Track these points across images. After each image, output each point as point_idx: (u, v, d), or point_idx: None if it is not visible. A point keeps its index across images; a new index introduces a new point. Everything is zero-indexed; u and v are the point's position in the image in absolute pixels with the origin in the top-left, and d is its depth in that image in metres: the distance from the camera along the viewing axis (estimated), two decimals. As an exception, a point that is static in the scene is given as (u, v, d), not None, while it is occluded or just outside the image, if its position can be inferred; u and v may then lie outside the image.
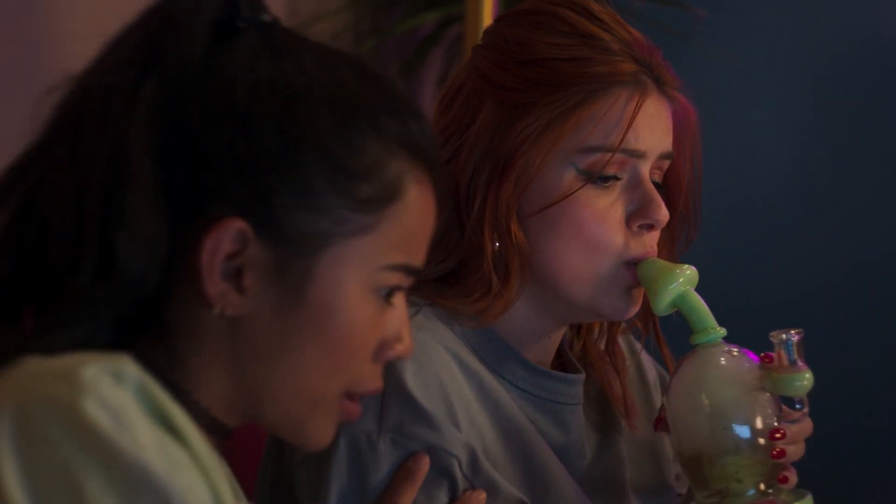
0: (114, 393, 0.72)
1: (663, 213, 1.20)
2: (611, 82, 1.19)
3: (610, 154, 1.18)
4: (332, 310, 0.91)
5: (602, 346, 1.32)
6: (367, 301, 0.93)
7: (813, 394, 1.19)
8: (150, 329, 0.90)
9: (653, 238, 1.22)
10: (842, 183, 2.60)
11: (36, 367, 0.74)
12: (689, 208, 1.29)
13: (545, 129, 1.18)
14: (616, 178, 1.20)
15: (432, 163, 0.96)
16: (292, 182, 0.90)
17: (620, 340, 1.35)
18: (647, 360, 1.38)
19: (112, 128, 0.88)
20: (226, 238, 0.88)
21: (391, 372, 1.11)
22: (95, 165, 0.88)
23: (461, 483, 1.14)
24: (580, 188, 1.18)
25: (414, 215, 0.94)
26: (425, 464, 1.12)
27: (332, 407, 0.94)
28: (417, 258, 0.96)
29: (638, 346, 1.36)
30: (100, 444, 0.70)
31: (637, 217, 1.20)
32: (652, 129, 1.20)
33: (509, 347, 1.23)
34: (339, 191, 0.90)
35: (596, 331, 1.33)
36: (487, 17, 1.95)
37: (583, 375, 1.28)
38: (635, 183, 1.21)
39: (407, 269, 0.95)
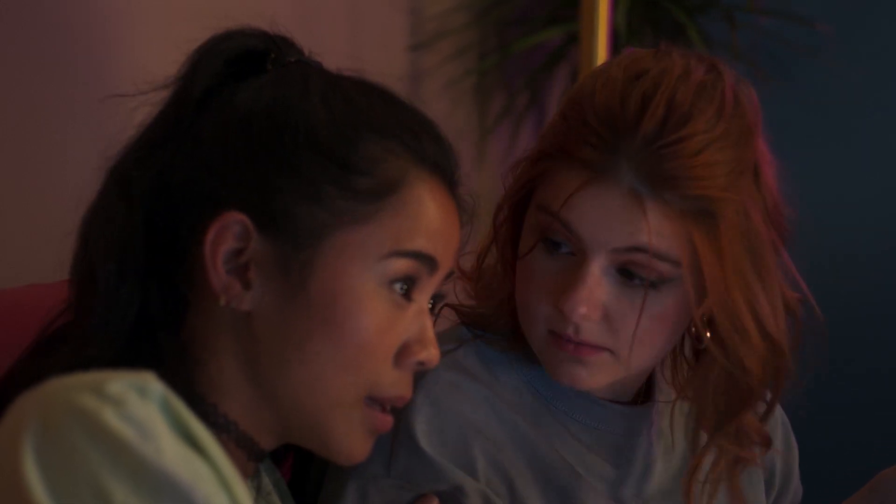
0: (139, 407, 0.73)
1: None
2: (567, 158, 1.10)
3: (551, 218, 1.10)
4: (334, 299, 0.93)
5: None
6: (376, 293, 0.95)
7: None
8: (175, 343, 0.94)
9: (582, 330, 1.11)
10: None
11: (60, 383, 0.75)
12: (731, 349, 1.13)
13: (518, 180, 1.16)
14: (570, 252, 1.11)
15: (443, 171, 0.98)
16: (289, 175, 0.93)
17: None
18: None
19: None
20: (227, 231, 0.93)
21: (404, 415, 1.10)
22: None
23: None
24: (533, 247, 1.13)
25: (420, 209, 0.96)
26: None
27: (353, 412, 0.96)
28: (434, 249, 0.97)
29: None
30: (126, 453, 0.71)
31: (561, 299, 1.11)
32: (594, 218, 1.08)
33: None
34: (335, 182, 0.94)
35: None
36: (602, 36, 1.96)
37: (642, 408, 1.22)
38: (578, 264, 1.10)
39: (420, 257, 0.96)
